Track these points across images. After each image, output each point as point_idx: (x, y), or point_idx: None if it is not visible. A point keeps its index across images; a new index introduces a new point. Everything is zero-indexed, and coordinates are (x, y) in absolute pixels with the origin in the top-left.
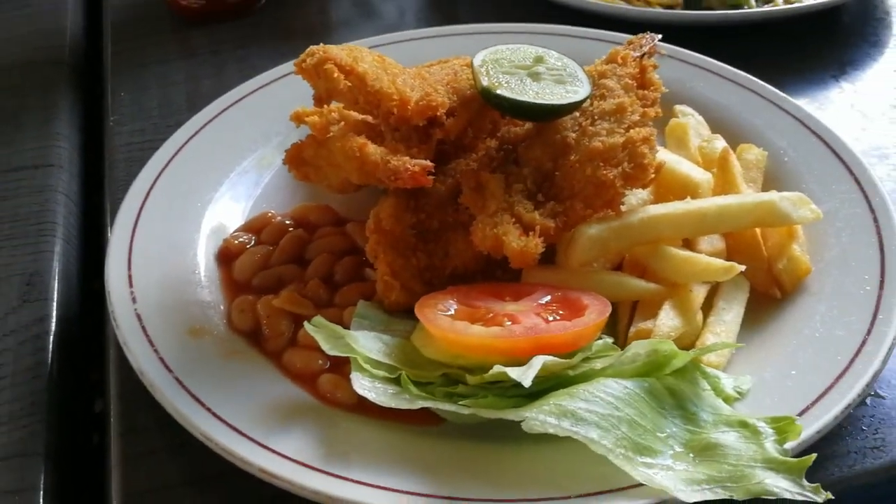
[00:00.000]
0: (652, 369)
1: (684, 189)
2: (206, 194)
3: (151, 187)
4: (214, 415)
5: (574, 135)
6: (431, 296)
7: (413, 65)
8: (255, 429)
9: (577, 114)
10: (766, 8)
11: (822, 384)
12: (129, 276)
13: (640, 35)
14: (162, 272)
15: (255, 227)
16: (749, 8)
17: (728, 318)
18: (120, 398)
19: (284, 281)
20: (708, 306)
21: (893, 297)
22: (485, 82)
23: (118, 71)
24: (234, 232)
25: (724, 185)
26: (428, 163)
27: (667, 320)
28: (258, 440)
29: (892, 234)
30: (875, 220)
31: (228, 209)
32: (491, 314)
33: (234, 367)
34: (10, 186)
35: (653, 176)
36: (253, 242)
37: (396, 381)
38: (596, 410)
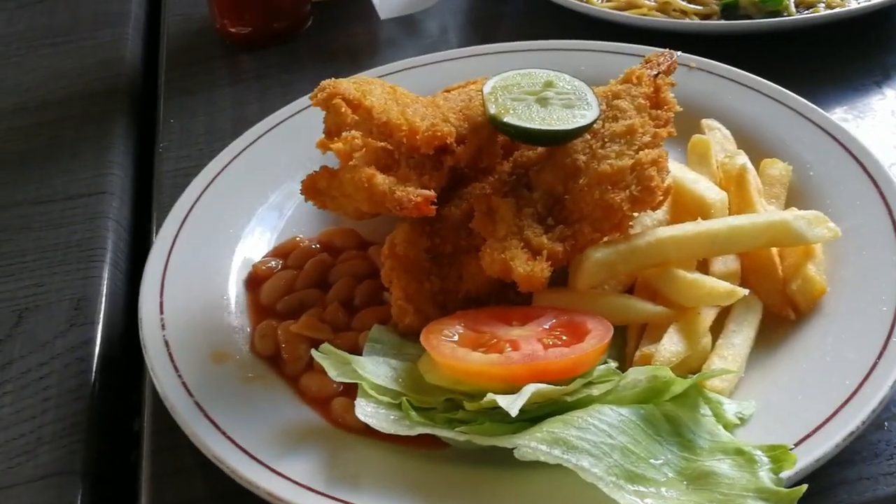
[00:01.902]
0: (651, 395)
1: (699, 209)
2: (240, 221)
3: (187, 215)
4: (228, 437)
5: (584, 158)
6: (439, 321)
7: (444, 84)
8: (265, 451)
9: (589, 136)
10: (807, 14)
11: (826, 410)
12: (161, 303)
13: (658, 52)
14: (192, 298)
15: (282, 251)
16: (788, 14)
17: (737, 340)
18: (153, 418)
19: (307, 305)
20: (720, 327)
21: None
22: (492, 110)
23: (169, 98)
24: (264, 257)
25: (740, 203)
26: (430, 193)
27: (669, 345)
28: (267, 463)
29: None
30: None
31: (260, 235)
32: (494, 340)
33: (253, 391)
34: (67, 214)
35: (661, 199)
36: (280, 267)
37: (399, 407)
38: (589, 438)
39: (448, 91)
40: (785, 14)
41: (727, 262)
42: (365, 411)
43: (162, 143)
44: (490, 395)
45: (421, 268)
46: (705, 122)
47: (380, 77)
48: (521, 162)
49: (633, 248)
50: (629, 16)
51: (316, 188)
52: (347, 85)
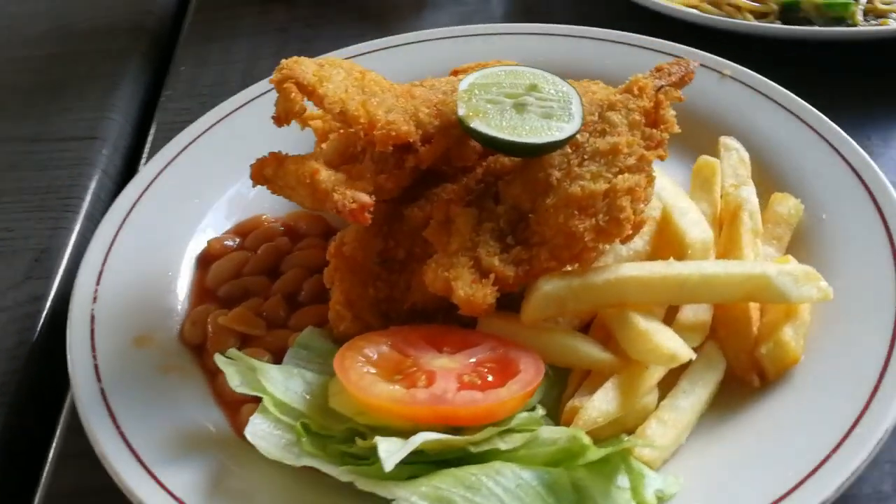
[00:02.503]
0: (565, 458)
1: (678, 247)
2: (209, 193)
3: (154, 179)
4: (120, 433)
5: (558, 174)
6: (366, 337)
7: (455, 61)
8: (154, 454)
9: (570, 149)
10: (876, 27)
11: (762, 500)
12: (101, 273)
13: (673, 60)
14: (136, 271)
15: (243, 230)
16: (854, 24)
17: (685, 403)
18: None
19: (251, 293)
20: (674, 380)
21: (882, 406)
22: (461, 111)
23: (187, 44)
24: (223, 234)
25: (728, 245)
26: (367, 201)
27: (600, 403)
28: (151, 468)
29: None
30: None
31: (229, 212)
32: (414, 368)
33: (167, 383)
34: (55, 157)
35: (629, 233)
36: (236, 246)
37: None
38: (475, 501)
39: (457, 72)
40: (849, 23)
41: (697, 312)
42: (256, 430)
43: (167, 91)
44: (376, 438)
45: (368, 271)
46: (724, 140)
47: (389, 48)
48: (493, 169)
49: (588, 285)
50: (678, 8)
51: (263, 175)
52: (305, 68)
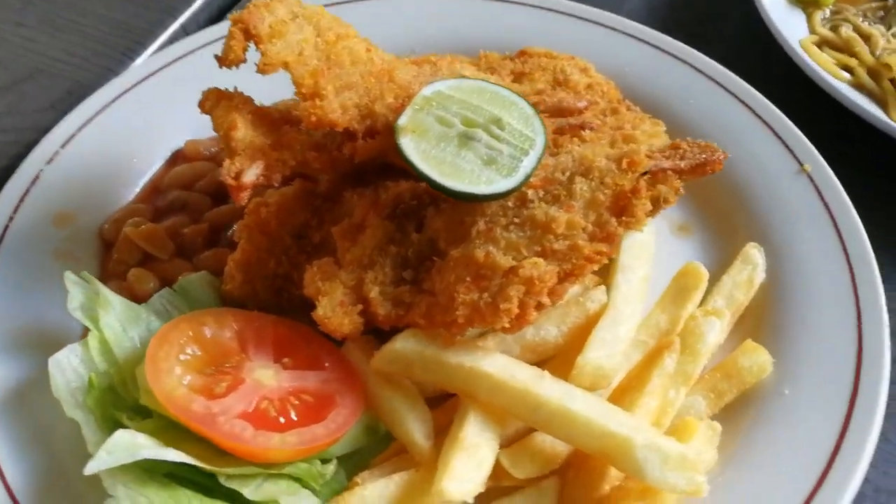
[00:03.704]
0: None
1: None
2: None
3: (164, 67)
4: None
5: (483, 227)
6: (220, 313)
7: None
8: None
9: (510, 203)
10: None
11: None
12: (71, 138)
13: (697, 141)
14: (106, 152)
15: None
16: None
17: None
18: None
19: (188, 209)
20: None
21: None
22: (402, 120)
23: None
24: (208, 139)
25: (633, 382)
26: (248, 181)
27: (372, 494)
28: None
29: None
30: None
31: None
32: (230, 368)
33: (52, 272)
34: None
35: (506, 326)
36: (211, 155)
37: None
38: None
39: (524, 53)
40: None
41: (554, 444)
42: (61, 360)
43: None
44: (118, 431)
45: (279, 241)
46: (749, 248)
47: None
48: (433, 191)
49: (440, 361)
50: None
51: (205, 106)
52: (266, 16)
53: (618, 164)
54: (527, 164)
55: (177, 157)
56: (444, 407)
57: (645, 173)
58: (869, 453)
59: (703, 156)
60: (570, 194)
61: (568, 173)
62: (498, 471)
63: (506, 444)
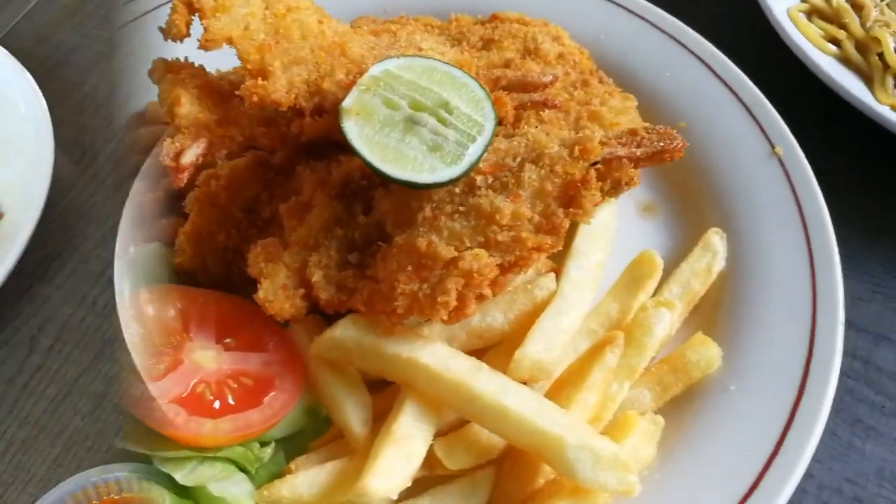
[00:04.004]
0: None
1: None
2: None
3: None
4: None
5: (429, 213)
6: (162, 289)
7: None
8: None
9: (457, 190)
10: None
11: None
12: None
13: (656, 128)
14: None
15: None
16: None
17: None
18: None
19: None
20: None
21: None
22: (347, 101)
23: None
24: None
25: (573, 376)
26: (188, 161)
27: (303, 483)
28: None
29: None
30: None
31: None
32: (170, 348)
33: None
34: None
35: (443, 318)
36: None
37: None
38: None
39: (496, 18)
40: None
41: (490, 435)
42: None
43: None
44: None
45: (229, 215)
46: (710, 236)
47: None
48: None
49: (378, 350)
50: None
51: (154, 75)
52: None
53: (570, 152)
54: (472, 151)
55: (138, 119)
56: (387, 391)
57: (597, 162)
58: (810, 452)
59: (661, 144)
60: (518, 183)
61: (518, 159)
62: (432, 460)
63: (445, 430)
